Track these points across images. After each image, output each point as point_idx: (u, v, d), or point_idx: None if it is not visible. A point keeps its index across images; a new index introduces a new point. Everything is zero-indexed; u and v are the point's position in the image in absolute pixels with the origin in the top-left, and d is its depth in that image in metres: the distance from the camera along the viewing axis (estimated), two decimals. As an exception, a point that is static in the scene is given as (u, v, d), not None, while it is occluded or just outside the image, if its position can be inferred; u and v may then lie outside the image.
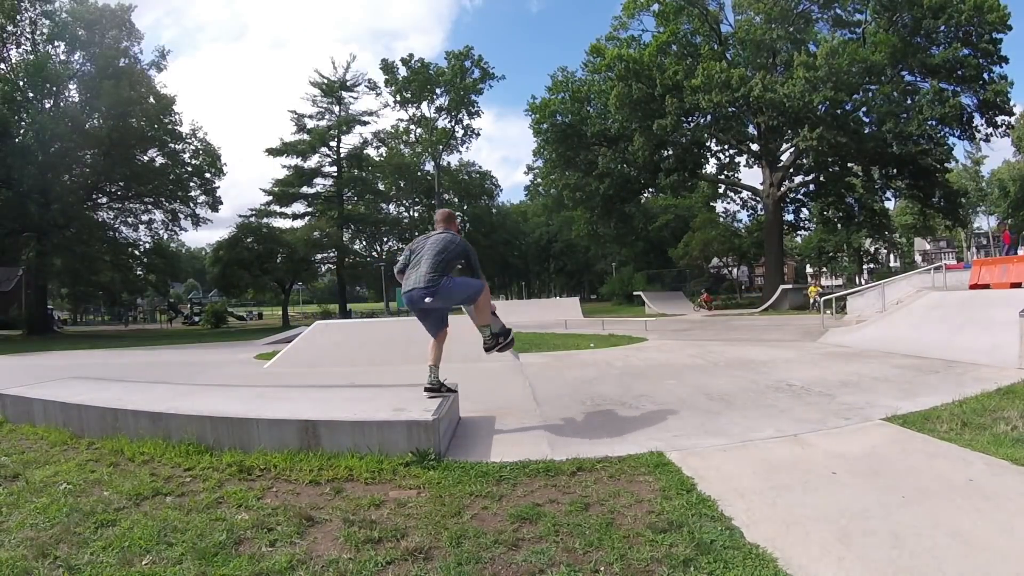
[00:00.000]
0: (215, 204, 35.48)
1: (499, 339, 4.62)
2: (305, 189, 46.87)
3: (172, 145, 33.50)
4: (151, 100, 31.60)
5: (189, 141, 34.64)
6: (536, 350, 11.02)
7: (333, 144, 46.88)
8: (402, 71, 46.48)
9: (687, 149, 29.45)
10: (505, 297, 65.86)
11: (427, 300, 4.18)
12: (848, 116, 26.46)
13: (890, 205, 38.46)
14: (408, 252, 4.49)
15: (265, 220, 43.21)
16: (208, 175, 35.32)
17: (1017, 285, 11.15)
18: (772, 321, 17.47)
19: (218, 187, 35.84)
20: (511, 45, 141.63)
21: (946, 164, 28.91)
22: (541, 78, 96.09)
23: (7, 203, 25.92)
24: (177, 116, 33.73)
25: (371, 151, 49.56)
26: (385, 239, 55.05)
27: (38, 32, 28.92)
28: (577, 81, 34.06)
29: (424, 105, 48.21)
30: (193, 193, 34.91)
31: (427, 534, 2.52)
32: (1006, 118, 26.56)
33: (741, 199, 40.84)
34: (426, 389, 4.27)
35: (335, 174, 47.36)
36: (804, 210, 37.24)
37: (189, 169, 34.52)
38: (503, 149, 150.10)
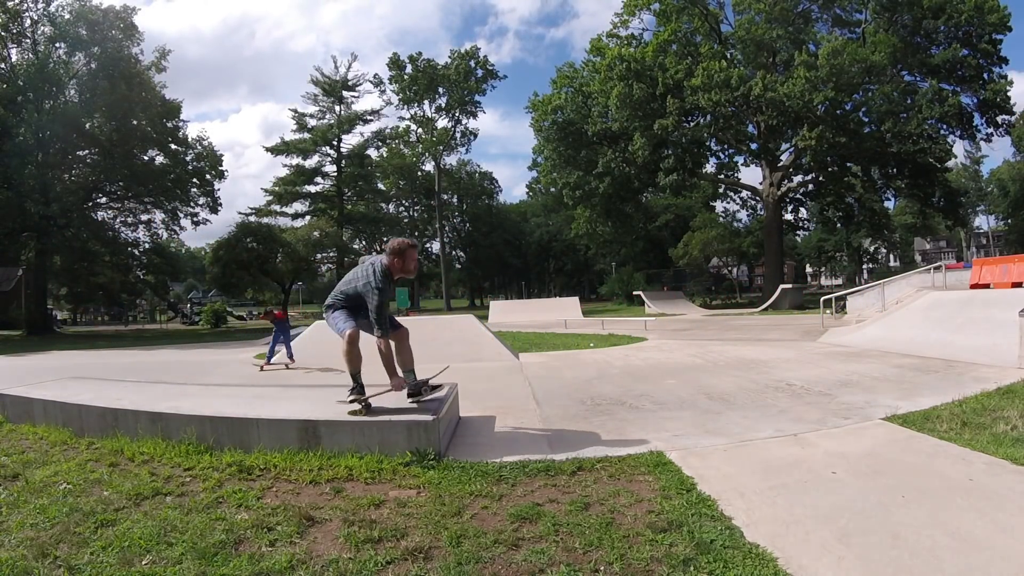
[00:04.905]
0: (215, 206, 35.46)
1: (356, 394, 3.96)
2: (306, 188, 46.94)
3: (173, 146, 33.49)
4: (155, 102, 31.58)
5: (192, 145, 34.68)
6: (536, 350, 11.02)
7: (334, 143, 46.92)
8: (409, 69, 46.50)
9: (687, 149, 29.43)
10: (505, 296, 65.86)
11: (323, 317, 4.26)
12: (848, 116, 26.46)
13: (890, 205, 38.52)
14: None
15: (265, 220, 43.26)
16: (208, 176, 35.31)
17: (1018, 285, 11.15)
18: (772, 321, 17.46)
19: (218, 190, 35.86)
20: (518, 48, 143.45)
21: (946, 163, 28.91)
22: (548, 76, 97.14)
23: (7, 203, 25.85)
24: (182, 121, 33.85)
25: (372, 151, 49.68)
26: (385, 239, 54.87)
27: (39, 32, 28.90)
28: (580, 78, 34.06)
29: (425, 105, 48.29)
30: (193, 192, 34.89)
31: (427, 534, 2.53)
32: (1006, 117, 26.56)
33: (741, 199, 40.87)
34: (410, 395, 3.98)
35: (335, 173, 47.39)
36: (804, 210, 37.31)
37: (189, 170, 34.50)
38: (512, 148, 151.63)
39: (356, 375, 3.97)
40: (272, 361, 9.19)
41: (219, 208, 35.55)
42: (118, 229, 34.39)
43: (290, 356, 9.25)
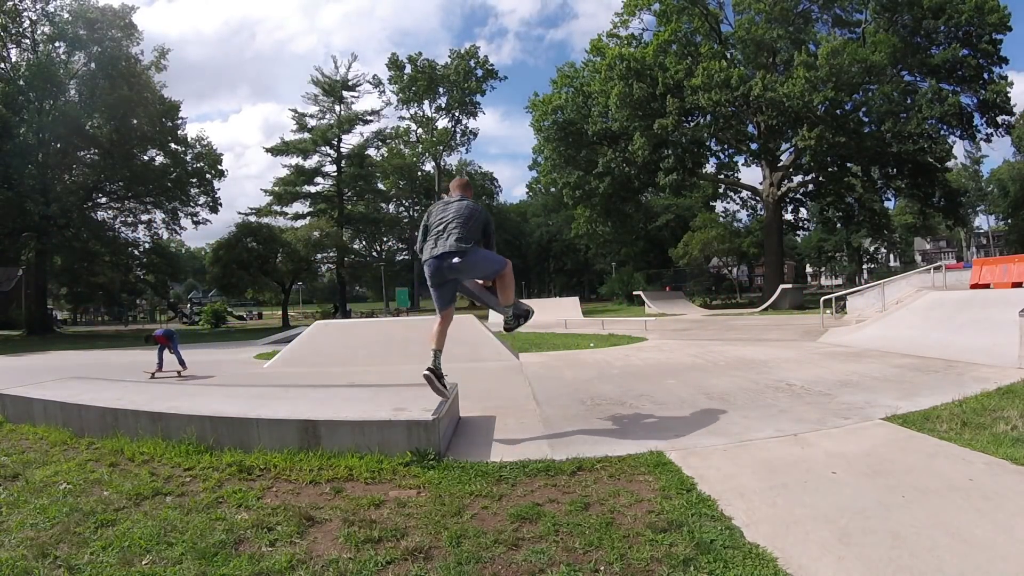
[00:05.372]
0: (215, 206, 35.50)
1: (520, 320, 4.70)
2: (306, 188, 46.97)
3: (173, 146, 33.51)
4: (154, 101, 31.62)
5: (192, 144, 34.70)
6: (536, 350, 11.02)
7: (334, 143, 46.93)
8: (408, 69, 46.51)
9: (687, 148, 29.46)
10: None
11: (455, 260, 3.95)
12: (848, 116, 26.47)
13: (890, 205, 38.54)
14: (425, 222, 4.24)
15: (265, 220, 43.32)
16: (208, 175, 35.33)
17: (1018, 285, 11.16)
18: (772, 321, 17.46)
19: (218, 189, 35.90)
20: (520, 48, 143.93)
21: (946, 163, 28.92)
22: (548, 76, 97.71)
23: (7, 203, 25.89)
24: (181, 120, 33.87)
25: (372, 151, 49.70)
26: (385, 239, 55.08)
27: (38, 32, 28.92)
28: (581, 78, 34.09)
29: (425, 105, 48.31)
30: (193, 192, 34.92)
31: (427, 534, 2.52)
32: (1006, 117, 26.57)
33: (741, 199, 40.93)
34: (428, 370, 4.03)
35: (335, 173, 47.39)
36: (804, 210, 37.34)
37: (189, 170, 34.52)
38: (512, 148, 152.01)
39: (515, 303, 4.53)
40: (164, 369, 9.35)
41: (219, 208, 35.67)
42: (118, 229, 34.45)
43: (182, 364, 9.45)
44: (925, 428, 3.88)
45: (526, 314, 4.70)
